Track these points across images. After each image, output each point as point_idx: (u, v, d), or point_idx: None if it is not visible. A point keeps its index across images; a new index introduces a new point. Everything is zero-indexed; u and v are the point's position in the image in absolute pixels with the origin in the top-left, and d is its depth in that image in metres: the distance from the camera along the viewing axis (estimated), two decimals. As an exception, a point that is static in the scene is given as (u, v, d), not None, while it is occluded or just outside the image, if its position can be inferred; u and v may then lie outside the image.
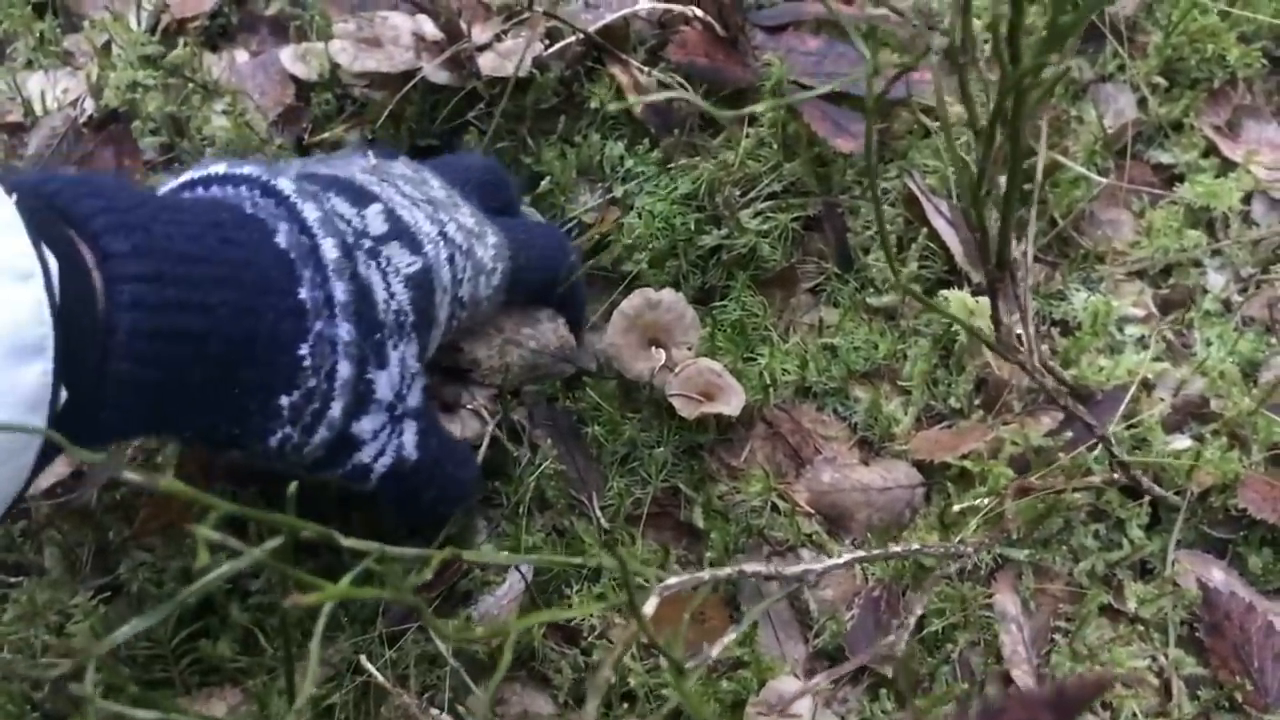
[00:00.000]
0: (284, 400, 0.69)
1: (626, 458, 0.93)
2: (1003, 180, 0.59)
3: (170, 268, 0.62)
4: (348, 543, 0.60)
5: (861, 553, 0.74)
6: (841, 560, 0.70)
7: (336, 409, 0.72)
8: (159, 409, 0.65)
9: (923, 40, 1.08)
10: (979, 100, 0.63)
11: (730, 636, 0.70)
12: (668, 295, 0.94)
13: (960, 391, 0.95)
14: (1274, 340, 0.98)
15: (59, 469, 0.91)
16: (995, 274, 0.63)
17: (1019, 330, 0.88)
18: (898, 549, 0.76)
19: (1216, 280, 1.02)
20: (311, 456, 0.74)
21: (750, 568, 0.67)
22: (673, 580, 0.63)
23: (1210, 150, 1.07)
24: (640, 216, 0.99)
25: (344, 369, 0.71)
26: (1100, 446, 0.88)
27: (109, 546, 0.90)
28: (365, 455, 0.76)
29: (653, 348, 0.95)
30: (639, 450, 0.93)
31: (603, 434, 0.93)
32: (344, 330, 0.70)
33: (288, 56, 1.07)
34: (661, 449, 0.93)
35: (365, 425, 0.75)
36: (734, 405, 0.90)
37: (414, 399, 0.78)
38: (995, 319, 0.69)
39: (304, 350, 0.69)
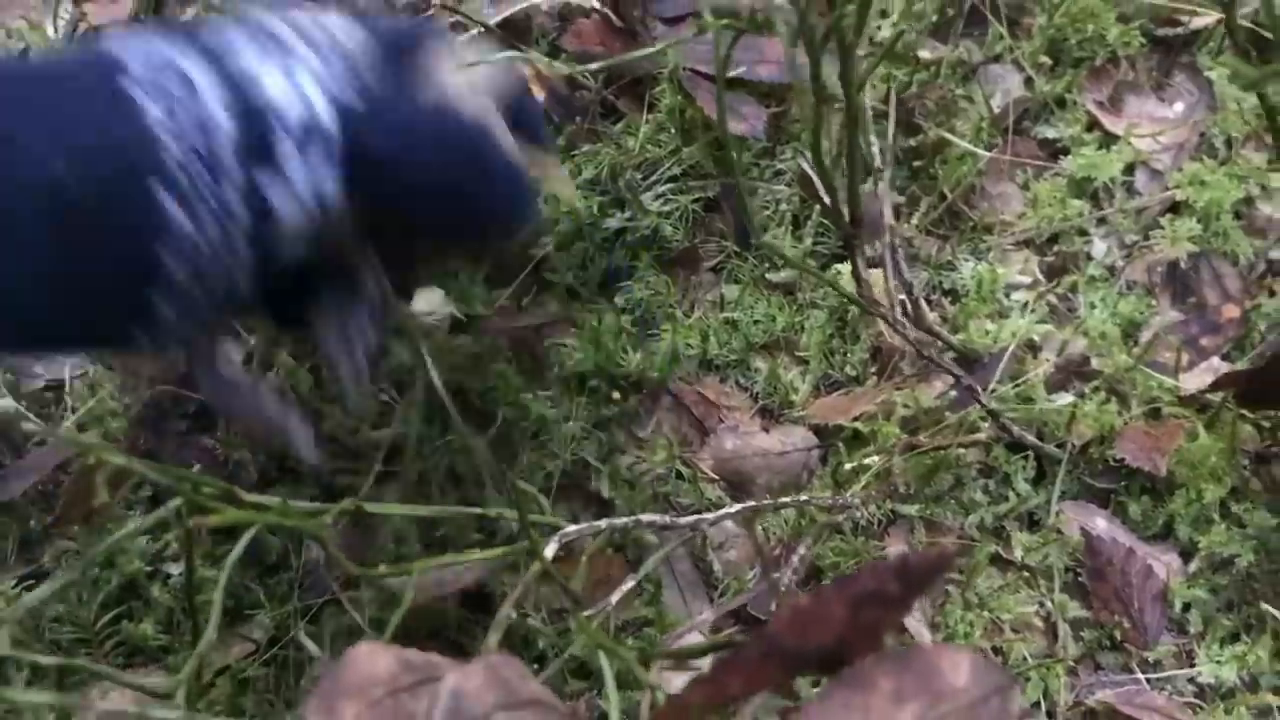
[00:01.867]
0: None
1: (537, 434, 0.97)
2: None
3: None
4: (250, 498, 0.63)
5: (751, 503, 0.78)
6: (733, 510, 0.74)
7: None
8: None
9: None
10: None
11: (630, 584, 0.74)
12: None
13: (855, 360, 0.99)
14: (1154, 301, 1.03)
15: (-21, 462, 0.93)
16: (850, 230, 0.67)
17: (901, 297, 0.93)
18: (786, 500, 0.80)
19: (1101, 247, 1.07)
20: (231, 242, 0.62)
21: (647, 518, 0.71)
22: (572, 528, 0.67)
23: (1093, 125, 1.12)
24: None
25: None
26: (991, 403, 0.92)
27: (31, 536, 0.93)
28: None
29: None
30: (548, 426, 0.97)
31: (512, 414, 0.96)
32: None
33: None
34: (570, 423, 0.96)
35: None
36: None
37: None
38: (856, 274, 0.73)
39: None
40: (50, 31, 1.16)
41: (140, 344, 0.64)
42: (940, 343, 0.96)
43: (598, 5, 1.04)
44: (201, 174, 0.59)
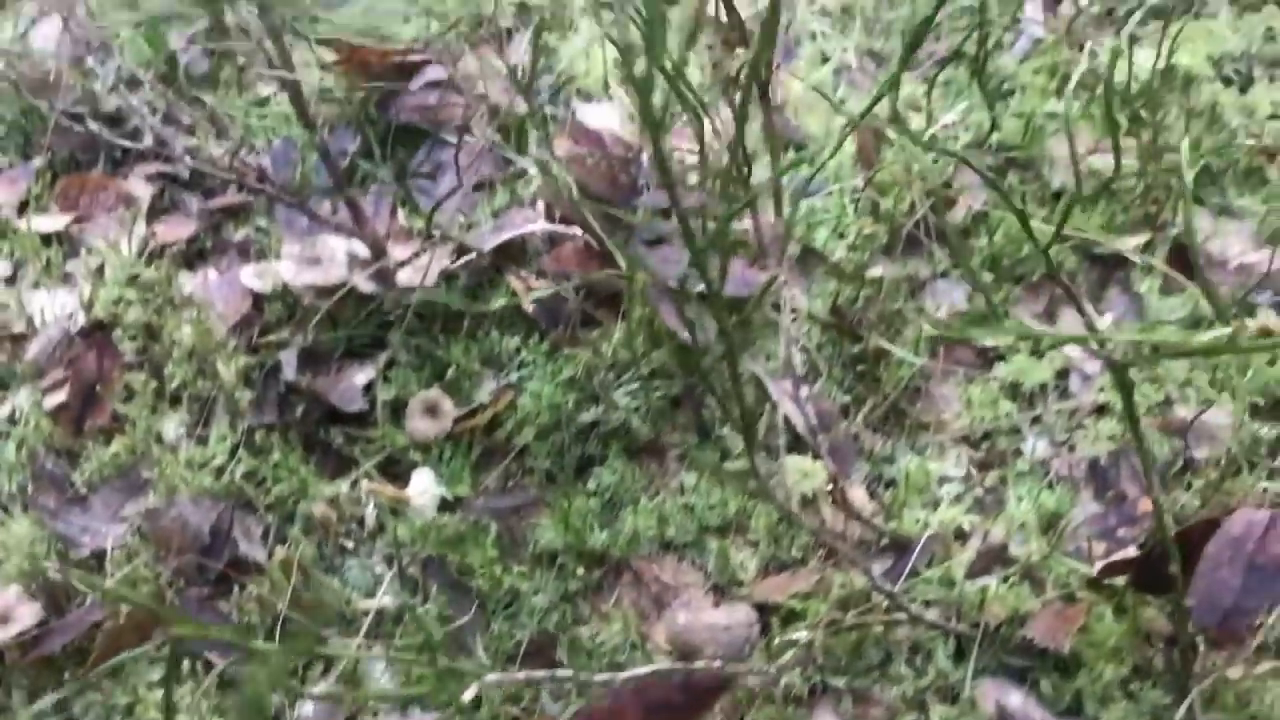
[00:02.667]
0: None
1: (509, 605, 1.09)
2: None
3: None
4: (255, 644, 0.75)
5: (669, 664, 0.89)
6: (646, 670, 0.85)
7: None
8: None
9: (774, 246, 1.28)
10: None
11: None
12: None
13: (800, 543, 1.11)
14: (1077, 494, 1.13)
15: (26, 620, 1.08)
16: (744, 422, 0.80)
17: (830, 486, 1.04)
18: (713, 664, 0.90)
19: (1034, 445, 1.18)
20: None
21: (562, 674, 0.82)
22: (492, 676, 0.79)
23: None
24: (530, 398, 1.17)
25: None
26: (912, 587, 1.02)
27: (63, 685, 1.06)
28: None
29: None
30: (519, 598, 1.09)
31: (487, 586, 1.08)
32: None
33: (248, 274, 1.29)
34: (539, 596, 1.08)
35: None
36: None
37: None
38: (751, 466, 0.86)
39: None
40: (124, 249, 1.36)
41: None
42: (871, 529, 1.07)
43: (580, 233, 1.21)
44: None
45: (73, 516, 1.16)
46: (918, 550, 1.08)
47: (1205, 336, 0.66)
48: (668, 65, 0.72)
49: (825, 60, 1.54)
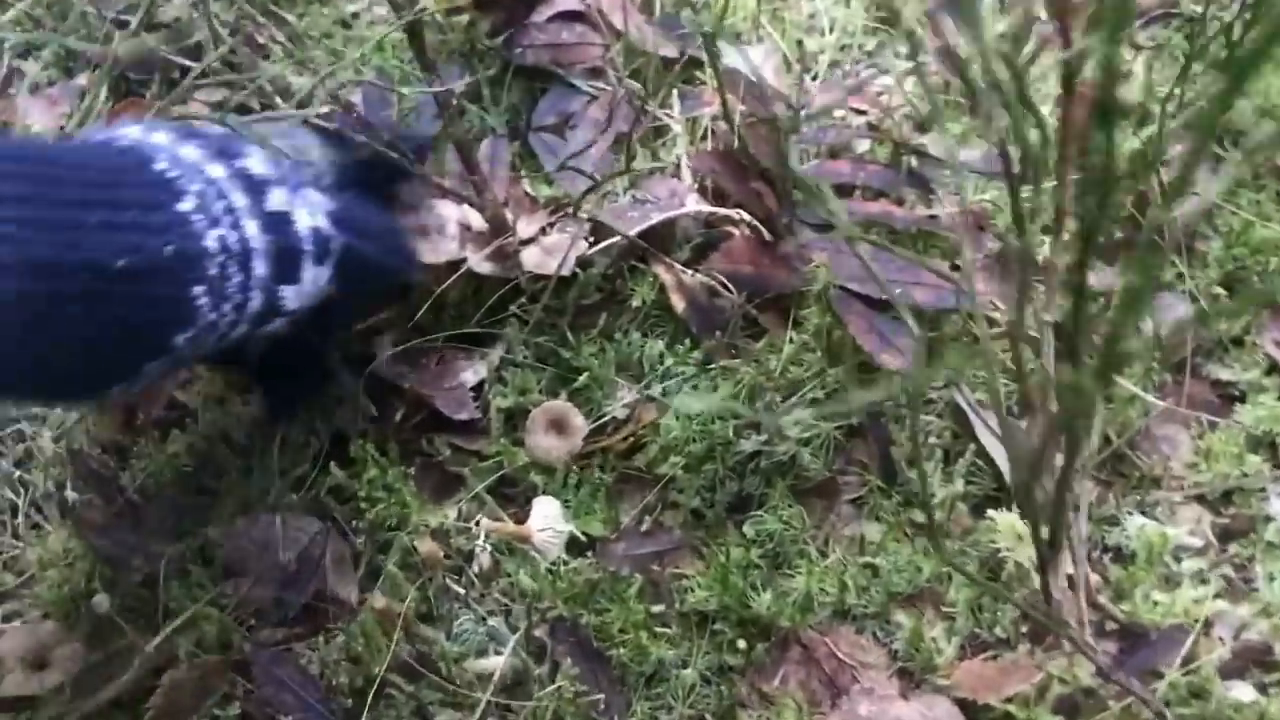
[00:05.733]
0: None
1: (652, 678, 0.89)
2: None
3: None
4: None
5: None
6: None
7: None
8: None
9: (974, 240, 1.07)
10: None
11: None
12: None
13: (1007, 620, 0.91)
14: (1344, 577, 0.93)
15: (66, 665, 0.88)
16: (1047, 553, 0.59)
17: (1068, 571, 0.84)
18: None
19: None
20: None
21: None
22: None
23: (1273, 368, 1.03)
24: (678, 418, 0.97)
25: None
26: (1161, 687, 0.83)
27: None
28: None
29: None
30: (665, 669, 0.89)
31: (628, 655, 0.89)
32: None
33: (333, 239, 1.07)
34: (689, 670, 0.89)
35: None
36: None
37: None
38: (1045, 590, 0.65)
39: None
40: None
41: (112, 396, 0.81)
42: (1097, 611, 0.87)
43: (746, 217, 0.99)
44: (235, 277, 0.74)
45: (122, 531, 0.96)
46: (1157, 642, 0.88)
47: None
48: None
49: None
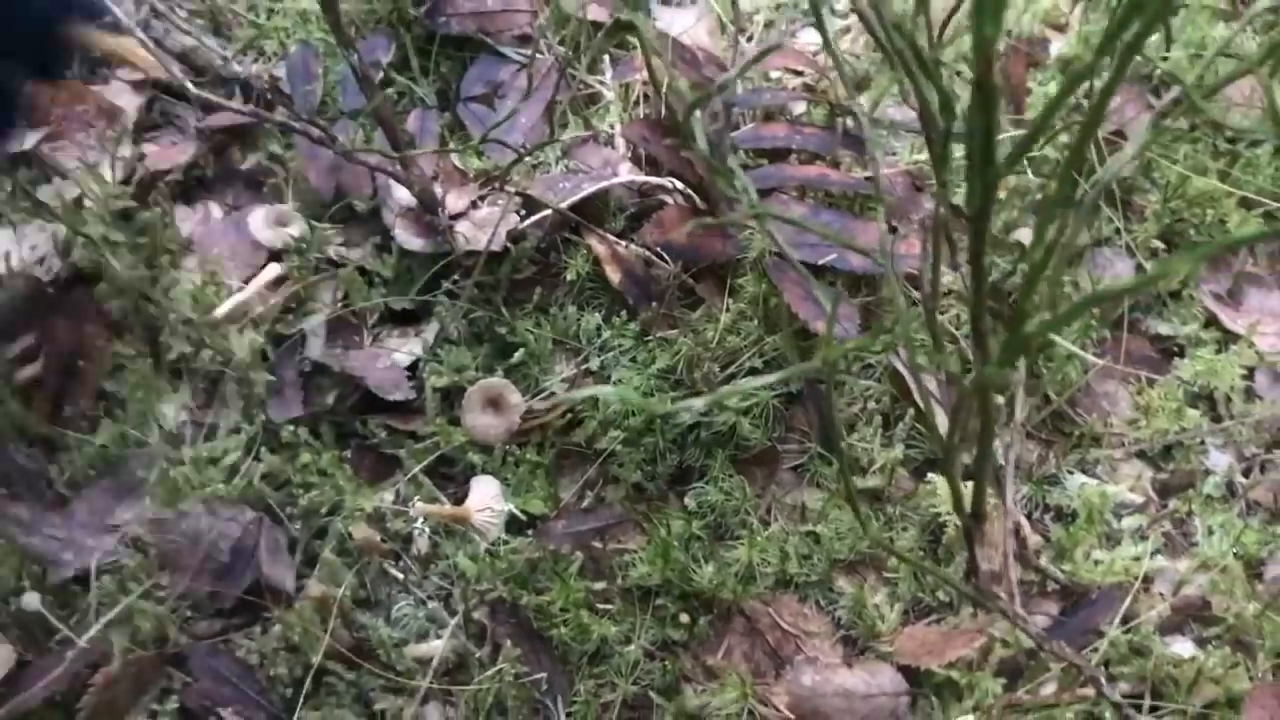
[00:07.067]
0: None
1: (595, 656, 0.89)
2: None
3: None
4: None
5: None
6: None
7: None
8: None
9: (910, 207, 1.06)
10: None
11: None
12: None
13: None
14: (1279, 530, 0.93)
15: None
16: (970, 523, 0.59)
17: (1008, 535, 0.84)
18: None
19: (1219, 460, 0.97)
20: None
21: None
22: None
23: (1211, 321, 1.03)
24: (616, 392, 0.95)
25: None
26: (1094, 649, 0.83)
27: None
28: None
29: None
30: (608, 647, 0.88)
31: (570, 634, 0.88)
32: None
33: (258, 223, 1.04)
34: (632, 646, 0.88)
35: None
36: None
37: None
38: (972, 565, 0.65)
39: None
40: (107, 174, 1.11)
41: None
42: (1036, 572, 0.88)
43: (681, 186, 0.97)
44: None
45: (51, 526, 0.94)
46: (1097, 601, 0.88)
47: None
48: None
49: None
